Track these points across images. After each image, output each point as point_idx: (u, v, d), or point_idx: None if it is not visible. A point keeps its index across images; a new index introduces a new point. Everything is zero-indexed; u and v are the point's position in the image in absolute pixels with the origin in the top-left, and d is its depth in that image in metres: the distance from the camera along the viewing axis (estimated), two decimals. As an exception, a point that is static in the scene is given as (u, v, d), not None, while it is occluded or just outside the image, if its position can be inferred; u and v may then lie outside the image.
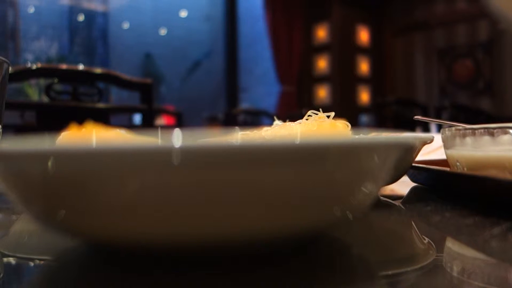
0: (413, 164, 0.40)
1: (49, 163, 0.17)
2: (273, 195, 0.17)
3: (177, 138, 0.18)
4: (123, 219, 0.17)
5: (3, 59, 0.35)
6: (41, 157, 0.17)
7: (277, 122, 0.34)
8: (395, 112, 2.27)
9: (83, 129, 0.25)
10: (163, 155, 0.16)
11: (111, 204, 0.17)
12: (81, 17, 4.13)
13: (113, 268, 0.20)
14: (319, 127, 0.25)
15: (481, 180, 0.34)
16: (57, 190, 0.18)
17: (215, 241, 0.18)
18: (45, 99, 1.13)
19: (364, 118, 4.00)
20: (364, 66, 4.17)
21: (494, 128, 0.37)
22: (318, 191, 0.18)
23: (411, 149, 0.35)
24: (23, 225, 0.31)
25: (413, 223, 0.32)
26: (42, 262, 0.23)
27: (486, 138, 0.37)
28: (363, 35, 4.16)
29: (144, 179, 0.16)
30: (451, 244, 0.26)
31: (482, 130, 0.37)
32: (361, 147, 0.19)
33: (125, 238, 0.18)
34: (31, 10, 3.85)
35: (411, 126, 1.87)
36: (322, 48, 4.08)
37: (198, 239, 0.18)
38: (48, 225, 0.21)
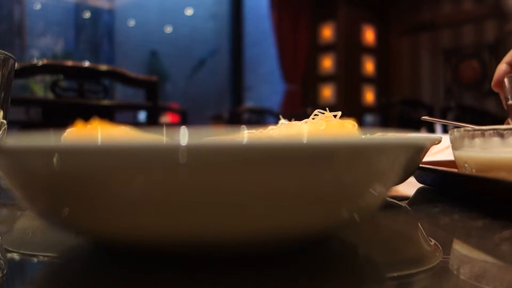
0: (420, 165, 0.40)
1: (55, 160, 0.16)
2: (281, 195, 0.17)
3: (184, 136, 0.17)
4: (127, 217, 0.17)
5: (9, 55, 0.35)
6: (47, 153, 0.17)
7: (282, 121, 0.34)
8: (400, 112, 2.26)
9: (89, 126, 0.24)
10: (170, 153, 0.16)
11: (115, 202, 0.17)
12: (87, 14, 4.14)
13: (117, 266, 0.20)
14: (328, 127, 0.25)
15: (490, 182, 0.33)
16: (62, 187, 0.17)
17: (222, 240, 0.18)
18: (50, 95, 1.13)
19: (369, 118, 3.98)
20: (369, 66, 4.15)
21: (504, 130, 0.36)
22: (329, 191, 0.18)
23: (422, 150, 0.35)
24: (27, 221, 0.31)
25: (419, 225, 0.32)
26: (46, 258, 0.23)
27: (496, 139, 0.36)
28: (369, 35, 4.15)
29: (151, 177, 0.16)
30: (458, 247, 0.26)
31: (491, 132, 0.37)
32: (374, 147, 0.19)
33: (130, 236, 0.18)
34: (37, 7, 3.87)
35: (416, 126, 1.86)
36: (327, 48, 4.07)
37: (205, 238, 0.17)
38: (52, 222, 0.21)
